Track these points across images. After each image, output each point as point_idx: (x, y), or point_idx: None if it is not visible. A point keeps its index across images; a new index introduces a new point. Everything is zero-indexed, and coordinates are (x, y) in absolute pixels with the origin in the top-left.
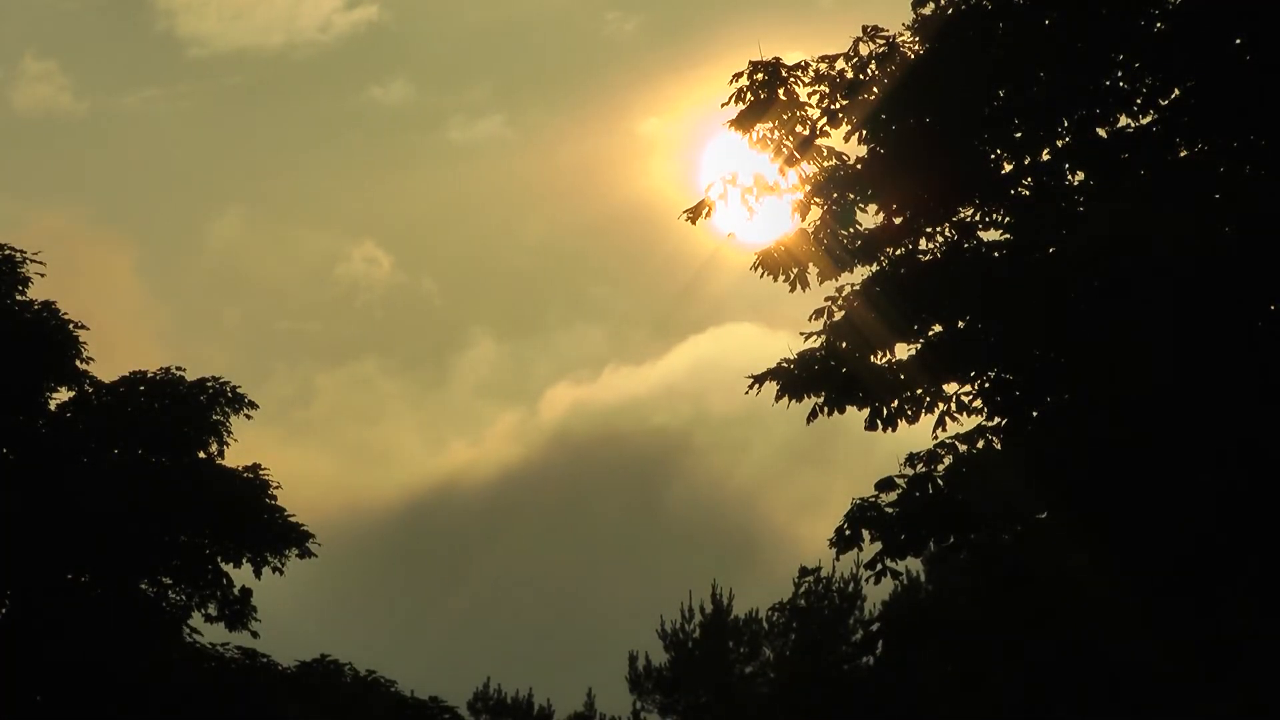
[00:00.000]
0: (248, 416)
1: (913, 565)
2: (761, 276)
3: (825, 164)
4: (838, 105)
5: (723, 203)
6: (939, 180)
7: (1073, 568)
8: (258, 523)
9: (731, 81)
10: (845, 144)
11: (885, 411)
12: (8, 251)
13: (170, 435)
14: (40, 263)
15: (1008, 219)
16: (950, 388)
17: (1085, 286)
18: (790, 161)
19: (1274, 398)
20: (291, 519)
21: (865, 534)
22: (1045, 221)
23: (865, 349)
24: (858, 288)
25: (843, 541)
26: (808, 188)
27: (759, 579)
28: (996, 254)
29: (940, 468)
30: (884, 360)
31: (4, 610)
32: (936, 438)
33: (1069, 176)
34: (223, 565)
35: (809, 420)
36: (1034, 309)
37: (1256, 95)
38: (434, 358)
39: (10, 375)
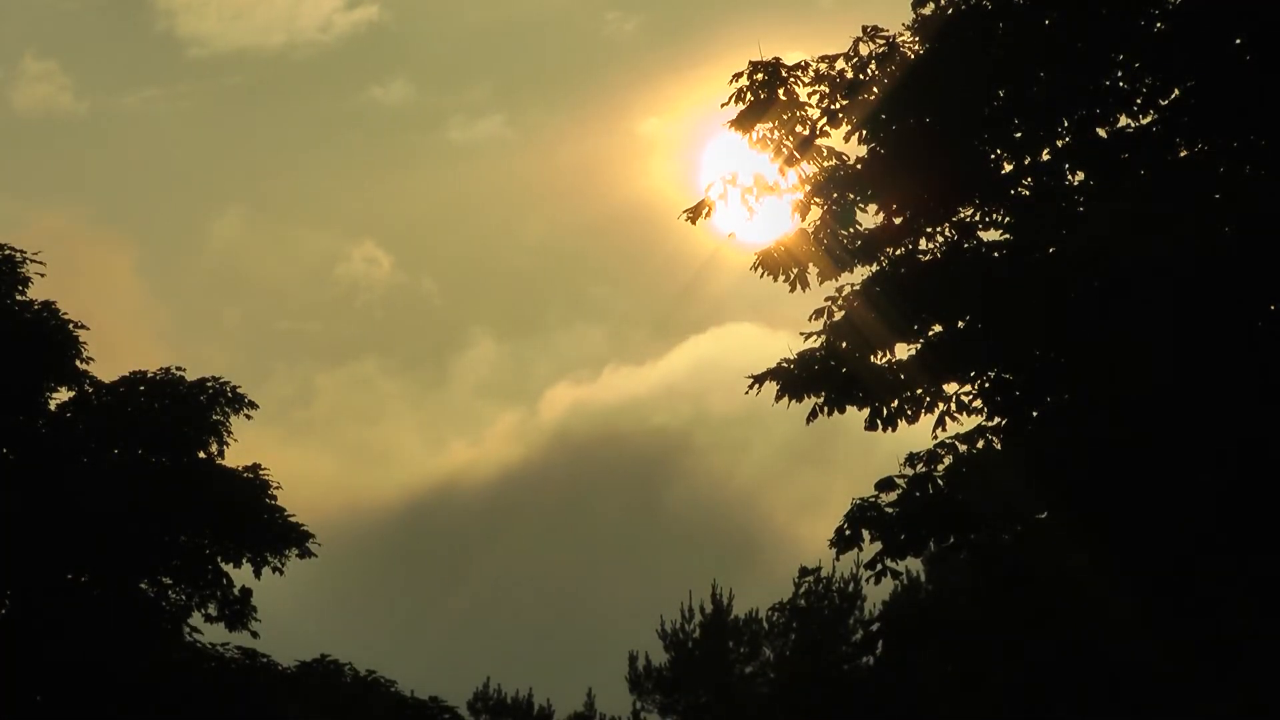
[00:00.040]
0: (248, 416)
1: (913, 565)
2: (761, 276)
3: (825, 164)
4: (838, 105)
5: (723, 203)
6: (939, 180)
7: (1073, 568)
8: (258, 523)
9: (731, 81)
10: (845, 144)
11: (885, 411)
12: (8, 251)
13: (170, 435)
14: (40, 263)
15: (1008, 219)
16: (950, 388)
17: (1085, 286)
18: (790, 161)
19: (1274, 398)
20: (291, 519)
21: (865, 534)
22: (1045, 221)
23: (865, 349)
24: (858, 288)
25: (843, 541)
26: (808, 188)
27: (759, 579)
28: (996, 254)
29: (940, 468)
30: (884, 360)
31: (4, 610)
32: (936, 438)
33: (1069, 176)
34: (223, 565)
35: (809, 420)
36: (1034, 309)
37: (1256, 95)
38: (434, 358)
39: (10, 375)
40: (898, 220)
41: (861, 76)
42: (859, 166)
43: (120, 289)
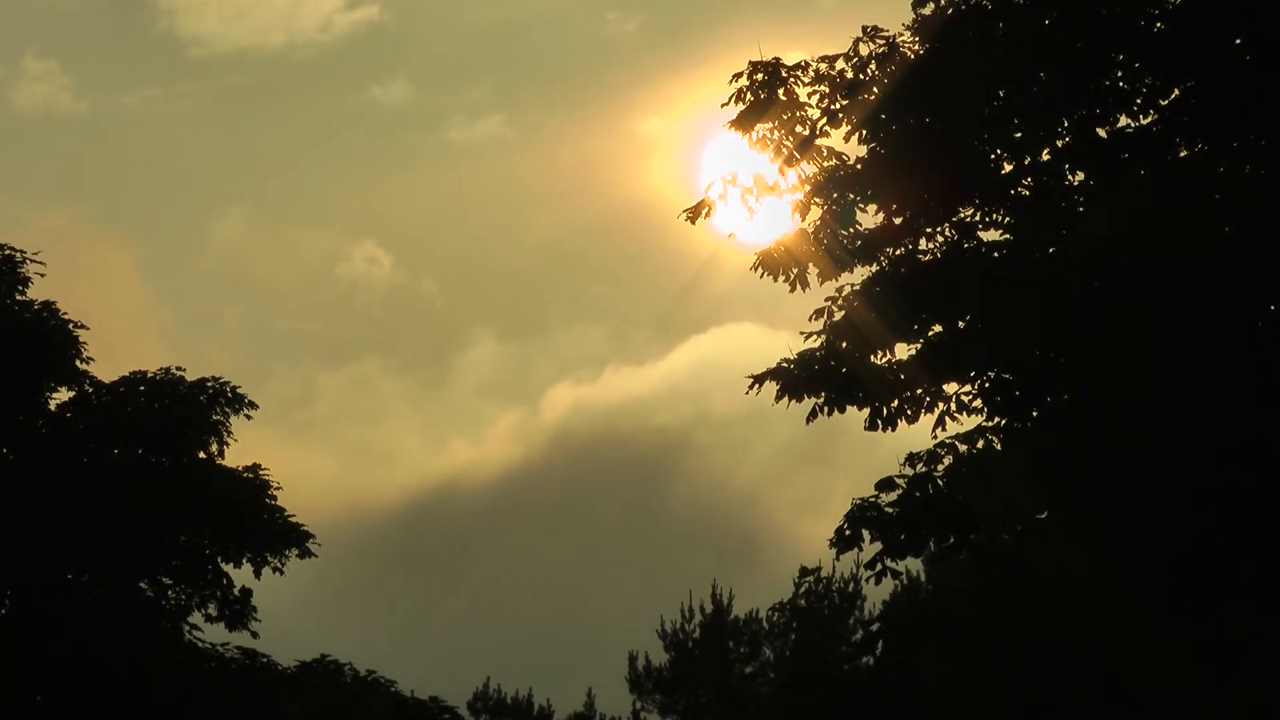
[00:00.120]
0: (248, 416)
1: (913, 565)
2: (761, 276)
3: (825, 164)
4: (838, 105)
5: (723, 203)
6: (939, 180)
7: (1073, 568)
8: (258, 523)
9: (731, 81)
10: (845, 144)
11: (885, 411)
12: (8, 251)
13: (170, 435)
14: (40, 263)
15: (1008, 219)
16: (950, 388)
17: (1085, 286)
18: (790, 161)
19: (1274, 398)
20: (291, 519)
21: (865, 534)
22: (1045, 221)
23: (865, 349)
24: (858, 288)
25: (843, 541)
26: (808, 188)
27: (759, 579)
28: (996, 254)
29: (940, 468)
30: (884, 360)
31: (4, 610)
32: (936, 438)
33: (1069, 176)
34: (223, 565)
35: (809, 420)
36: (1034, 309)
37: (1256, 95)
38: (435, 358)
39: (10, 375)
40: (898, 220)
41: (861, 76)
42: (859, 166)
43: (120, 289)
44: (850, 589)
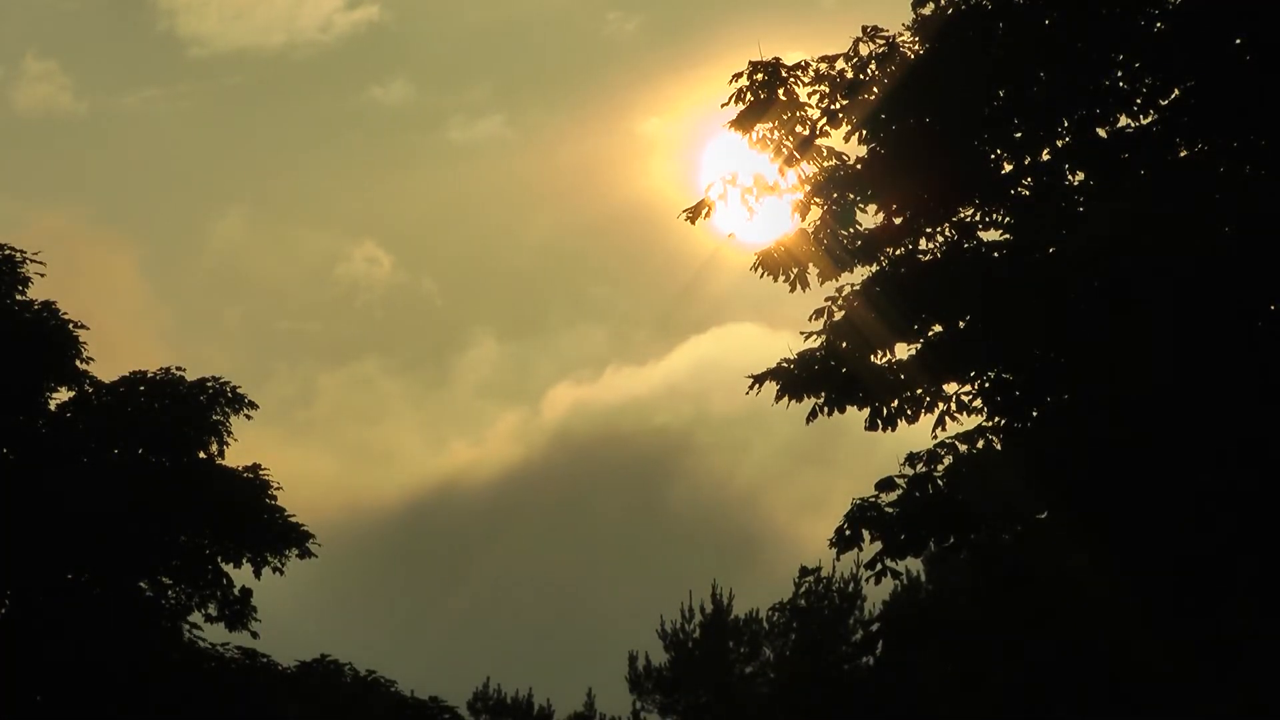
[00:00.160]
0: (248, 416)
1: (913, 565)
2: (761, 276)
3: (825, 164)
4: (838, 105)
5: (723, 203)
6: (939, 180)
7: (1073, 568)
8: (258, 523)
9: (731, 81)
10: (845, 144)
11: (885, 411)
12: (8, 251)
13: (170, 435)
14: (40, 263)
15: (1008, 219)
16: (950, 388)
17: (1085, 286)
18: (790, 161)
19: (1274, 398)
20: (291, 519)
21: (865, 534)
22: (1045, 221)
23: (865, 349)
24: (858, 288)
25: (843, 541)
26: (808, 188)
27: (759, 579)
28: (996, 254)
29: (940, 468)
30: (884, 360)
31: (4, 610)
32: (936, 438)
33: (1069, 176)
34: (223, 565)
35: (809, 420)
36: (1034, 309)
37: (1256, 95)
38: (435, 358)
39: (10, 375)
40: (898, 220)
41: (861, 76)
42: (859, 166)
43: (121, 289)
44: (850, 589)
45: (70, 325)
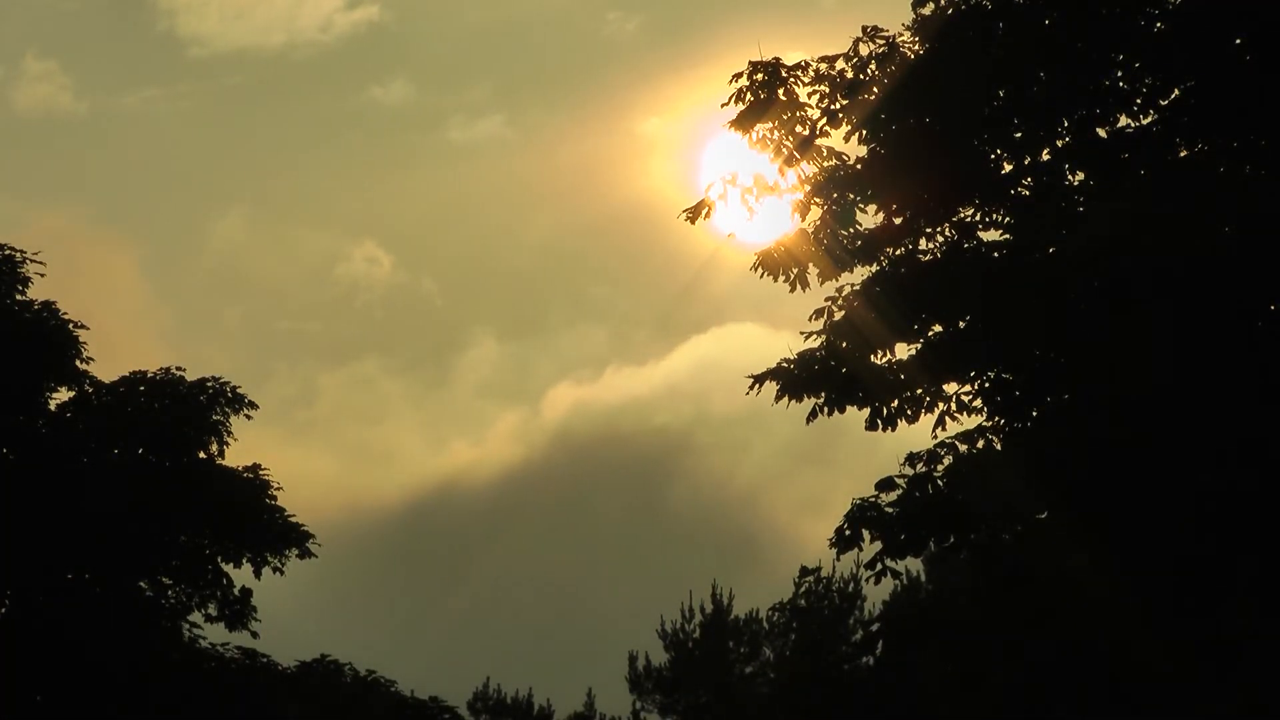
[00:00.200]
0: (248, 416)
1: (913, 565)
2: (761, 276)
3: (825, 164)
4: (838, 105)
5: (723, 203)
6: (939, 180)
7: (1073, 568)
8: (258, 523)
9: (731, 81)
10: (845, 144)
11: (885, 411)
12: (8, 251)
13: (170, 435)
14: (40, 263)
15: (1008, 219)
16: (950, 388)
17: (1085, 286)
18: (790, 161)
19: (1274, 398)
20: (292, 519)
21: (865, 534)
22: (1045, 221)
23: (865, 349)
24: (858, 288)
25: (843, 541)
26: (808, 188)
27: (759, 579)
28: (996, 254)
29: (940, 468)
30: (884, 360)
31: (4, 610)
32: (936, 438)
33: (1069, 176)
34: (223, 565)
35: (809, 420)
36: (1034, 309)
37: (1256, 95)
38: (435, 358)
39: (10, 375)
40: (898, 220)
41: (861, 76)
42: (859, 166)
43: (121, 289)
44: (850, 589)
45: (70, 325)
